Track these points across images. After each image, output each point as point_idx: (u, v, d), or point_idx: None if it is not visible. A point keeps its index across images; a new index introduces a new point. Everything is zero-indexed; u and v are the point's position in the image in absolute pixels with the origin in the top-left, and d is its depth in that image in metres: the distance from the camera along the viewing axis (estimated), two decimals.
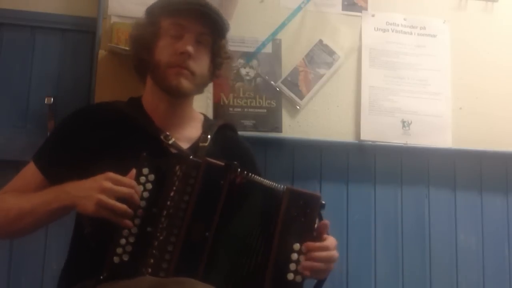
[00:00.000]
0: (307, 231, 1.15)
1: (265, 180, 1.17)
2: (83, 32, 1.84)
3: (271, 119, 1.94)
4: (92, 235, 1.14)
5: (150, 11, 1.35)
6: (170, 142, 1.28)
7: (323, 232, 1.18)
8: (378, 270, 1.96)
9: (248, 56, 1.95)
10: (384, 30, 2.07)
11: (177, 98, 1.33)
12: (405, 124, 2.02)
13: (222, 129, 1.42)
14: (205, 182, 1.10)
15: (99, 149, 1.25)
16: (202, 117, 1.46)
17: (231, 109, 1.92)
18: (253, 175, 1.16)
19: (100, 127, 1.29)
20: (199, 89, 1.37)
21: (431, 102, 2.06)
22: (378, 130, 2.01)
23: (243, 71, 1.95)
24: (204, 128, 1.40)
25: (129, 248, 1.09)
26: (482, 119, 2.09)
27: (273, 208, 1.15)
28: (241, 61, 1.95)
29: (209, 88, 1.91)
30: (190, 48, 1.27)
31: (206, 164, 1.11)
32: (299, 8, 2.01)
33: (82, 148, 1.26)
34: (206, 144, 1.33)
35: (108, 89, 1.73)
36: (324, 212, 1.19)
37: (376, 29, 2.07)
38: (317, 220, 1.18)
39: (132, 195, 1.09)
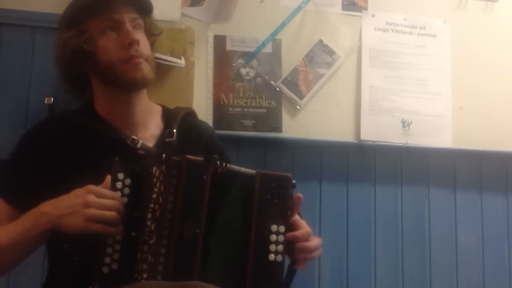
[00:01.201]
0: (282, 212, 1.18)
1: (240, 168, 1.18)
2: None
3: (271, 119, 1.94)
4: (72, 250, 1.13)
5: (71, 21, 1.27)
6: (138, 145, 1.26)
7: (297, 207, 1.22)
8: (378, 270, 1.96)
9: (248, 56, 1.95)
10: (384, 30, 2.07)
11: (141, 89, 1.30)
12: (405, 124, 2.02)
13: (183, 118, 1.40)
14: (187, 180, 1.09)
15: (66, 168, 1.21)
16: (160, 108, 1.42)
17: (231, 109, 1.92)
18: (230, 165, 1.16)
19: (61, 145, 1.24)
20: (154, 73, 1.32)
21: (431, 102, 2.06)
22: (378, 130, 2.01)
23: (243, 71, 1.95)
24: (164, 120, 1.38)
25: (116, 256, 1.08)
26: (482, 119, 2.09)
27: (249, 194, 1.16)
28: (241, 61, 1.95)
29: (209, 88, 1.92)
30: (135, 36, 1.25)
31: (186, 162, 1.10)
32: (299, 8, 2.01)
33: (48, 171, 1.21)
34: (173, 138, 1.31)
35: None
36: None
37: (376, 29, 2.07)
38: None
39: (117, 206, 1.08)
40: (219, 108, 1.91)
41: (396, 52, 2.06)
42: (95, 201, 1.06)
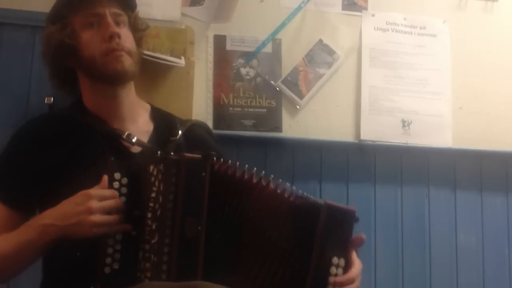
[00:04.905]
0: (344, 245, 1.17)
1: (308, 195, 1.18)
2: None
3: (271, 119, 1.94)
4: (73, 247, 1.12)
5: (55, 16, 1.29)
6: (134, 140, 1.25)
7: (358, 246, 1.20)
8: (378, 270, 1.96)
9: (248, 56, 1.95)
10: (384, 30, 2.07)
11: (124, 82, 1.29)
12: (405, 124, 2.02)
13: (193, 125, 1.40)
14: (187, 178, 1.09)
15: (60, 165, 1.20)
16: (148, 106, 1.42)
17: (231, 108, 1.92)
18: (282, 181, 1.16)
19: (54, 142, 1.24)
20: (138, 67, 1.32)
21: (431, 102, 2.06)
22: (378, 130, 2.00)
23: (243, 70, 1.95)
24: (154, 118, 1.37)
25: (117, 256, 1.08)
26: (482, 119, 2.09)
27: (309, 220, 1.15)
28: (241, 60, 1.95)
29: (209, 87, 1.92)
30: (116, 29, 1.25)
31: (185, 160, 1.10)
32: (299, 8, 2.01)
33: (42, 169, 1.21)
34: (177, 138, 1.31)
35: None
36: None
37: (376, 28, 2.07)
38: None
39: (118, 205, 1.09)
40: (219, 108, 1.91)
41: (396, 52, 2.06)
42: (98, 206, 1.06)
